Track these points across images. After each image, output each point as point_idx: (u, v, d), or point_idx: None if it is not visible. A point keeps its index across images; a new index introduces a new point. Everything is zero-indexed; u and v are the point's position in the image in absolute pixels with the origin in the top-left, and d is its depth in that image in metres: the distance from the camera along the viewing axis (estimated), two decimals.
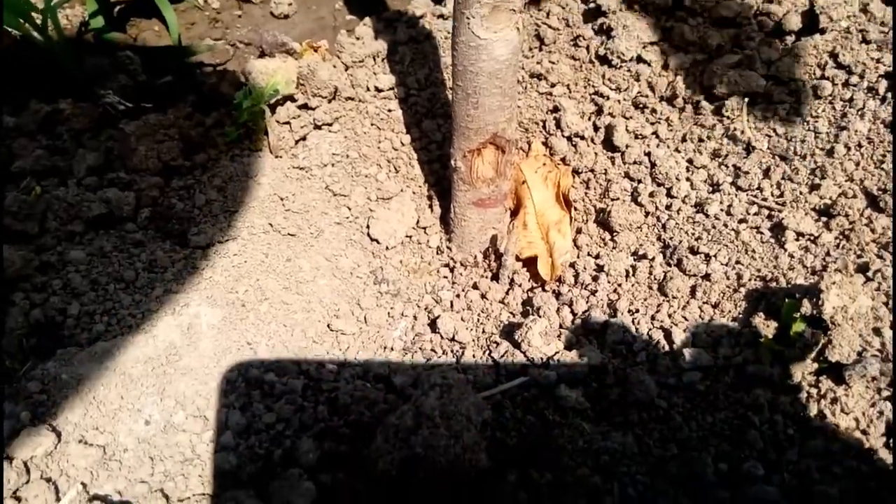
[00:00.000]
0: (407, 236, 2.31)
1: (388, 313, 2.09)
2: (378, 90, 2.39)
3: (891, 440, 1.45)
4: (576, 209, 2.25)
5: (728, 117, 2.09)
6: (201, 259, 1.96)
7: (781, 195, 1.91)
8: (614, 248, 2.08)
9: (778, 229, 1.85)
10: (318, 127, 2.32)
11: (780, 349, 1.60)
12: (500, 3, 1.62)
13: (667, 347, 1.72)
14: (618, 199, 2.15)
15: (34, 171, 2.08)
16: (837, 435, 1.47)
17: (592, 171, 2.24)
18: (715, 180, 2.03)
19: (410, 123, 2.41)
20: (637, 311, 1.84)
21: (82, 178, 2.08)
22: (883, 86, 1.91)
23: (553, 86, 2.34)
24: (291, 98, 2.30)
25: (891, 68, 1.93)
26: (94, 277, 1.87)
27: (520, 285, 2.12)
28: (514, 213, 2.28)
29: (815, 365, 1.57)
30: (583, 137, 2.27)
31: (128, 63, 2.49)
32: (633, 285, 1.92)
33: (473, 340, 1.93)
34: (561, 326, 1.87)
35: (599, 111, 2.27)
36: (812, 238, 1.80)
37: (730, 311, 1.75)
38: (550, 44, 2.37)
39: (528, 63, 2.37)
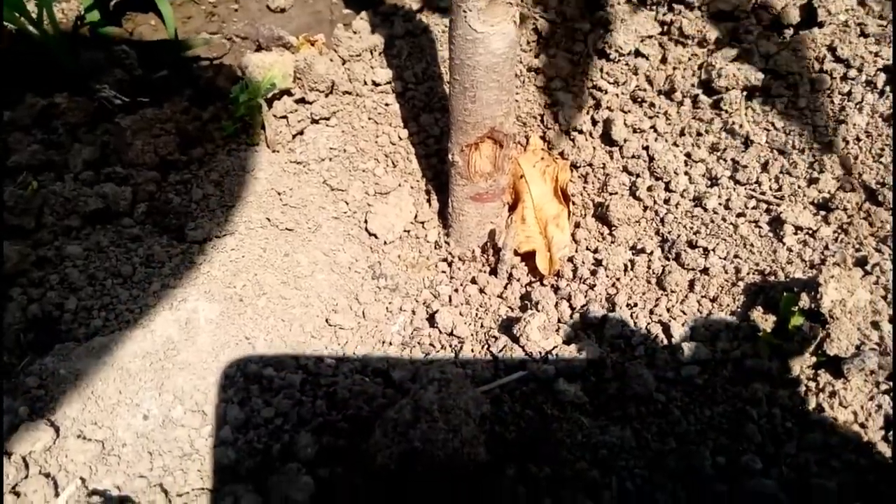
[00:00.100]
0: (405, 231, 2.30)
1: (387, 308, 2.09)
2: (375, 84, 2.38)
3: (889, 433, 1.45)
4: (574, 203, 2.25)
5: (726, 111, 2.08)
6: (199, 254, 1.96)
7: (780, 189, 1.91)
8: (613, 242, 2.08)
9: (776, 223, 1.85)
10: (315, 121, 2.31)
11: (779, 343, 1.60)
12: None
13: (665, 341, 1.72)
14: (616, 193, 2.15)
15: (30, 166, 2.07)
16: (836, 428, 1.48)
17: (591, 165, 2.24)
18: (713, 174, 2.03)
19: (408, 118, 2.40)
20: (635, 305, 1.84)
21: (78, 173, 2.07)
22: (881, 79, 1.91)
23: (551, 80, 2.34)
24: (288, 92, 2.29)
25: (889, 62, 1.92)
26: (92, 272, 1.87)
27: (518, 280, 2.12)
28: (513, 208, 2.28)
29: (814, 359, 1.57)
30: (581, 131, 2.27)
31: (124, 57, 2.47)
32: (631, 279, 1.92)
33: (472, 335, 1.93)
34: (559, 321, 1.87)
35: (597, 105, 2.27)
36: (810, 232, 1.80)
37: (728, 305, 1.75)
38: (548, 37, 2.37)
39: (525, 57, 2.36)
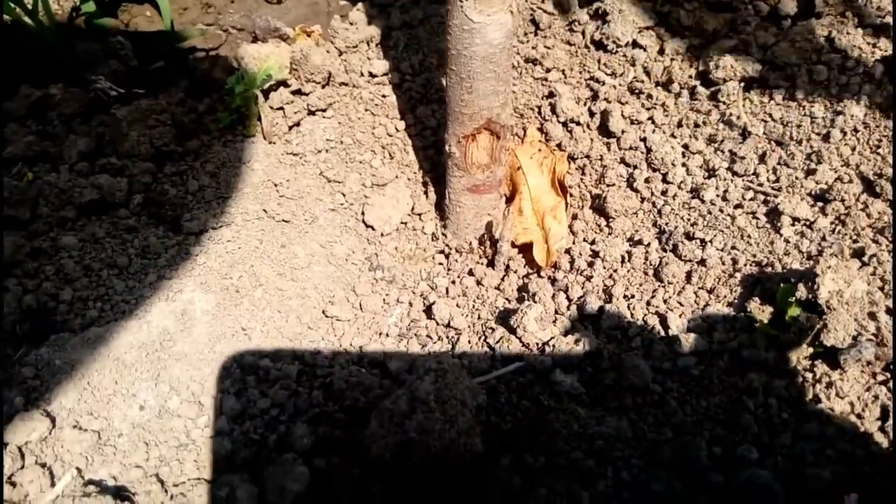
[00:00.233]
0: (402, 223, 2.30)
1: (384, 300, 2.09)
2: (372, 75, 2.37)
3: (886, 424, 1.45)
4: (571, 195, 2.24)
5: (724, 102, 2.08)
6: (195, 245, 1.95)
7: (777, 180, 1.91)
8: (610, 233, 2.08)
9: (774, 214, 1.84)
10: (311, 112, 2.31)
11: (776, 334, 1.60)
12: None
13: (662, 333, 1.72)
14: (613, 184, 2.15)
15: (25, 157, 2.06)
16: (832, 419, 1.48)
17: (588, 156, 2.23)
18: (711, 166, 2.02)
19: (405, 109, 2.39)
20: (632, 296, 1.84)
21: (74, 164, 2.06)
22: (879, 70, 1.91)
23: (548, 71, 2.33)
24: (285, 83, 2.28)
25: (887, 53, 1.92)
26: (87, 263, 1.86)
27: (515, 271, 2.12)
28: (510, 200, 2.27)
29: (811, 349, 1.57)
30: (578, 123, 2.26)
31: (119, 48, 2.46)
32: (628, 271, 1.92)
33: (469, 326, 1.93)
34: (556, 312, 1.87)
35: (595, 96, 2.26)
36: (808, 223, 1.80)
37: (725, 297, 1.75)
38: (546, 28, 2.36)
39: (523, 48, 2.35)
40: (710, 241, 1.85)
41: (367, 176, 2.32)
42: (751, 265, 1.77)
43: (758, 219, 1.86)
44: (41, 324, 1.73)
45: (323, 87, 2.32)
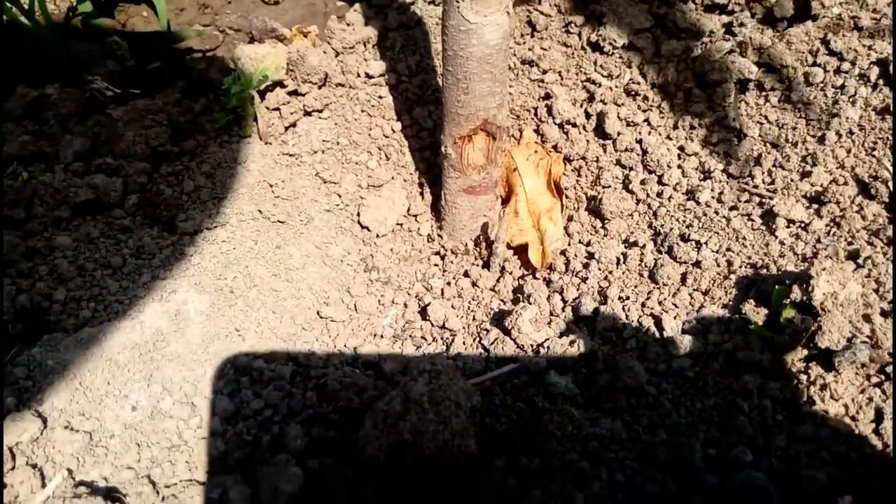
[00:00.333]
0: (398, 224, 2.30)
1: (379, 301, 2.08)
2: (369, 76, 2.37)
3: (880, 426, 1.45)
4: (567, 197, 2.24)
5: (720, 104, 2.08)
6: (189, 245, 1.95)
7: (772, 182, 1.91)
8: (605, 235, 2.07)
9: (769, 216, 1.84)
10: (308, 113, 2.30)
11: (770, 336, 1.60)
12: None
13: (657, 334, 1.71)
14: (609, 186, 2.15)
15: (20, 157, 2.06)
16: (826, 421, 1.47)
17: (584, 158, 2.23)
18: (706, 167, 2.02)
19: (401, 110, 2.39)
20: (627, 298, 1.84)
21: (69, 164, 2.06)
22: (874, 73, 1.91)
23: (545, 72, 2.33)
24: (281, 84, 2.28)
25: (882, 55, 1.92)
26: (81, 263, 1.86)
27: (510, 273, 2.12)
28: (506, 201, 2.27)
29: (805, 351, 1.57)
30: (574, 125, 2.26)
31: (116, 48, 2.46)
32: (623, 272, 1.92)
33: (464, 328, 1.93)
34: (551, 314, 1.87)
35: (591, 98, 2.26)
36: (803, 225, 1.80)
37: (720, 298, 1.75)
38: (542, 30, 2.36)
39: (519, 49, 2.35)
40: (706, 243, 1.85)
41: (363, 177, 2.31)
42: (746, 267, 1.77)
43: (753, 221, 1.86)
44: (34, 324, 1.73)
45: (319, 87, 2.32)
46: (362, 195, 2.29)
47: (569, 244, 2.12)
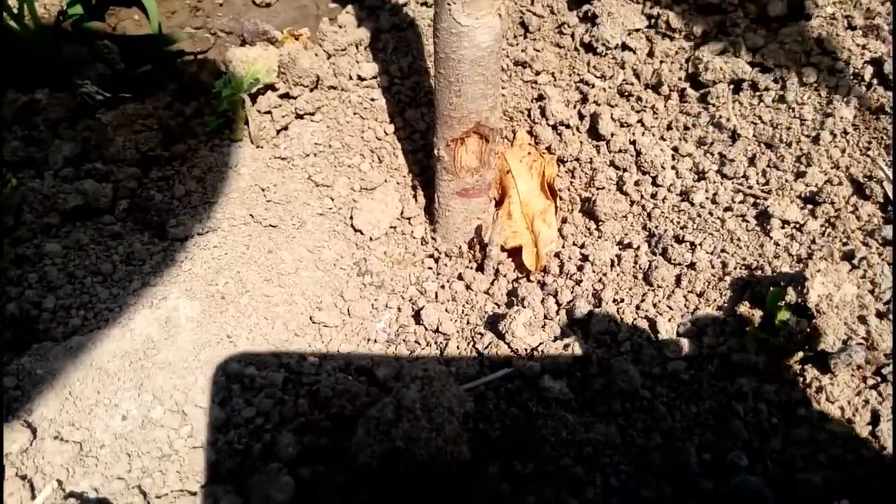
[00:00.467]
0: (391, 227, 2.28)
1: (372, 305, 2.07)
2: (361, 79, 2.36)
3: (876, 428, 1.44)
4: (561, 198, 2.23)
5: (713, 105, 2.07)
6: (180, 251, 1.93)
7: (767, 183, 1.90)
8: (599, 237, 2.06)
9: (763, 217, 1.83)
10: (299, 116, 2.29)
11: (766, 338, 1.59)
12: None
13: (651, 337, 1.70)
14: (603, 188, 2.13)
15: (10, 163, 2.04)
16: (822, 424, 1.47)
17: (577, 159, 2.22)
18: (700, 168, 2.01)
19: (394, 112, 2.38)
20: (622, 300, 1.83)
21: (59, 170, 2.04)
22: (868, 72, 1.90)
23: (538, 74, 2.32)
24: (272, 87, 2.26)
25: (877, 54, 1.91)
26: (71, 270, 1.84)
27: (505, 276, 2.10)
28: (499, 203, 2.26)
29: (801, 353, 1.56)
30: (568, 126, 2.25)
31: (106, 52, 2.44)
32: (618, 275, 1.90)
33: (458, 332, 1.91)
34: (545, 317, 1.85)
35: (584, 99, 2.25)
36: (797, 226, 1.79)
37: (715, 300, 1.74)
38: (535, 31, 2.34)
39: (512, 51, 2.34)
40: (700, 245, 1.84)
41: (356, 180, 2.30)
42: (740, 268, 1.76)
43: (747, 222, 1.85)
44: (23, 332, 1.71)
45: (311, 90, 2.30)
46: (355, 198, 2.28)
47: (563, 246, 2.11)
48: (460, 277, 2.12)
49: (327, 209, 2.24)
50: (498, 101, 1.88)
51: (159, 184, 2.09)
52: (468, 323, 1.94)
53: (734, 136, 2.00)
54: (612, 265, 1.93)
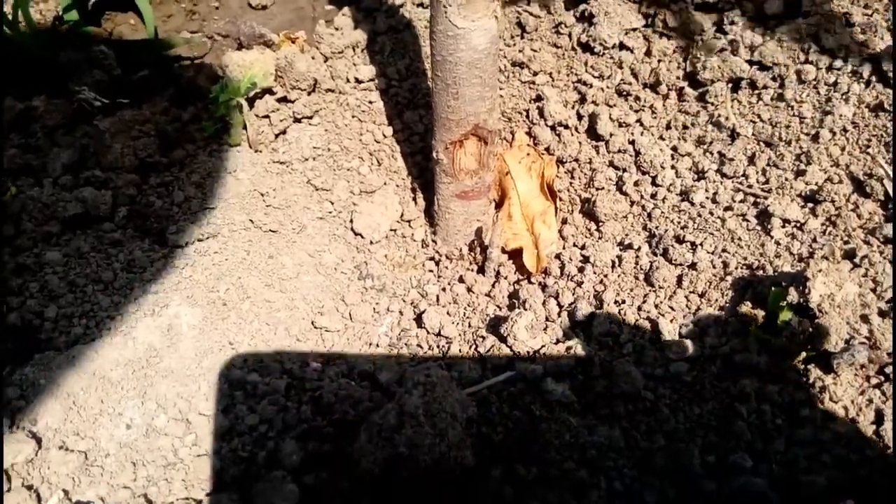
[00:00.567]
0: (391, 230, 2.28)
1: (374, 309, 2.07)
2: (358, 81, 2.35)
3: (880, 428, 1.44)
4: (561, 199, 2.23)
5: (712, 103, 2.07)
6: (181, 258, 1.93)
7: (767, 182, 1.90)
8: (600, 238, 2.06)
9: (764, 216, 1.83)
10: (297, 120, 2.28)
11: (768, 338, 1.59)
12: None
13: (653, 338, 1.70)
14: (603, 188, 2.13)
15: (8, 171, 2.04)
16: (826, 424, 1.47)
17: (577, 160, 2.22)
18: (700, 168, 2.01)
19: (392, 115, 2.38)
20: (623, 301, 1.83)
21: (57, 178, 2.04)
22: (867, 69, 1.90)
23: (535, 74, 2.31)
24: (270, 91, 2.26)
25: (875, 51, 1.91)
26: (72, 279, 1.84)
27: (506, 278, 2.10)
28: (499, 205, 2.26)
29: (803, 353, 1.56)
30: (566, 126, 2.25)
31: (102, 58, 2.43)
32: (619, 276, 1.90)
33: (460, 335, 1.91)
34: (547, 319, 1.85)
35: (583, 99, 2.24)
36: (798, 225, 1.79)
37: (716, 301, 1.74)
38: (532, 31, 2.34)
39: (509, 51, 2.34)
40: (701, 245, 1.84)
41: (356, 183, 2.30)
42: (742, 268, 1.76)
43: (748, 221, 1.85)
44: (25, 342, 1.71)
45: (309, 93, 2.30)
46: (355, 201, 2.28)
47: (563, 248, 2.11)
48: (461, 280, 2.12)
49: (327, 213, 2.24)
50: (496, 102, 1.88)
51: (158, 190, 2.08)
52: (470, 326, 1.94)
53: (733, 135, 2.00)
54: (613, 266, 1.93)
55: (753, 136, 1.98)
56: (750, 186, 1.91)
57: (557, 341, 1.73)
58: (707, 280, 1.77)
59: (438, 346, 1.89)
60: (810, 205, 1.81)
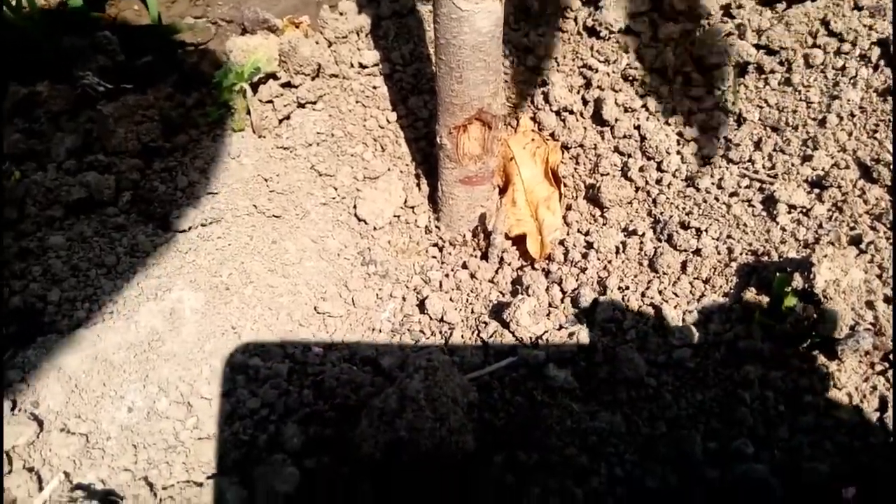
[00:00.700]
0: (395, 216, 2.27)
1: (377, 294, 2.07)
2: (362, 66, 2.34)
3: (884, 415, 1.43)
4: (565, 185, 2.22)
5: (718, 88, 2.04)
6: (184, 242, 1.93)
7: (773, 167, 1.88)
8: (604, 224, 2.05)
9: (770, 202, 1.81)
10: (301, 105, 2.27)
11: (772, 324, 1.58)
12: None
13: (657, 324, 1.69)
14: (607, 174, 2.12)
15: (12, 156, 2.04)
16: (830, 411, 1.46)
17: (581, 146, 2.20)
18: (705, 153, 1.99)
19: (396, 100, 2.36)
20: (627, 287, 1.81)
21: (61, 162, 2.04)
22: (875, 53, 1.87)
23: (540, 59, 2.29)
24: (274, 76, 2.25)
25: (883, 35, 1.88)
26: (75, 263, 1.84)
27: (509, 264, 2.10)
28: (503, 191, 2.25)
29: (808, 340, 1.55)
30: (571, 112, 2.23)
31: (106, 43, 2.43)
32: (623, 262, 1.89)
33: (462, 321, 1.91)
34: (550, 305, 1.85)
35: (588, 84, 2.22)
36: (804, 210, 1.77)
37: (721, 287, 1.72)
38: (537, 16, 2.32)
39: (514, 36, 2.31)
40: (706, 231, 1.82)
41: (359, 169, 2.29)
42: (747, 254, 1.74)
43: (753, 207, 1.84)
44: (28, 325, 1.71)
45: (312, 79, 2.29)
46: (358, 187, 2.27)
47: (567, 234, 2.10)
48: (464, 266, 2.11)
49: (331, 199, 2.23)
50: (500, 87, 1.87)
51: (162, 175, 2.08)
52: (472, 312, 1.94)
53: (740, 120, 1.98)
54: (617, 252, 1.92)
55: (760, 121, 1.96)
56: (756, 172, 1.89)
57: (560, 327, 1.73)
58: (711, 266, 1.76)
59: (441, 332, 1.89)
60: (816, 190, 1.80)
